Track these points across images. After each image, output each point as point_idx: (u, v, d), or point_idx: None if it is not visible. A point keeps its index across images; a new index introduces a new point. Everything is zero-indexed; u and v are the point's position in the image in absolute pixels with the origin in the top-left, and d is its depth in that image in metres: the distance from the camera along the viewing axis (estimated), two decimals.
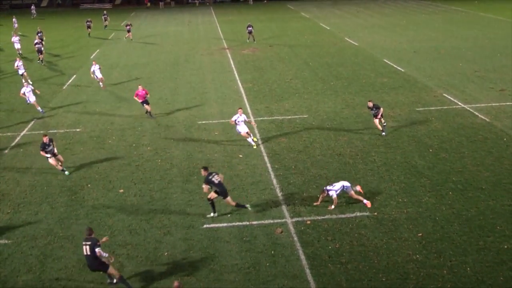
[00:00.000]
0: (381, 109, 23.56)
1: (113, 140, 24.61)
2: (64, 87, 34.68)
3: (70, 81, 36.39)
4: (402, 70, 35.60)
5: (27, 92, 28.33)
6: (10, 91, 33.74)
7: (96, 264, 13.71)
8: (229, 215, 17.30)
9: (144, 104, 27.09)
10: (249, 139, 23.13)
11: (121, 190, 19.43)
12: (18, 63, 35.77)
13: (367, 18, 63.95)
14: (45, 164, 21.72)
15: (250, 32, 48.04)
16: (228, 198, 17.11)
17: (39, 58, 42.21)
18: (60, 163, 20.99)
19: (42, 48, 42.83)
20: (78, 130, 26.24)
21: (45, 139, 20.81)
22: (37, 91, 29.36)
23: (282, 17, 65.93)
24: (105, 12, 64.37)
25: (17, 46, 45.91)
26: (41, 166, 21.98)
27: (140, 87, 27.06)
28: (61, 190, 19.76)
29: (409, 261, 14.60)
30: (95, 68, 33.63)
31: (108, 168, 21.58)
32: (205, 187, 17.04)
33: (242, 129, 22.95)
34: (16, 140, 25.19)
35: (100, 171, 21.30)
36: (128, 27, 53.27)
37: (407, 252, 15.03)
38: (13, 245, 16.29)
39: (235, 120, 22.93)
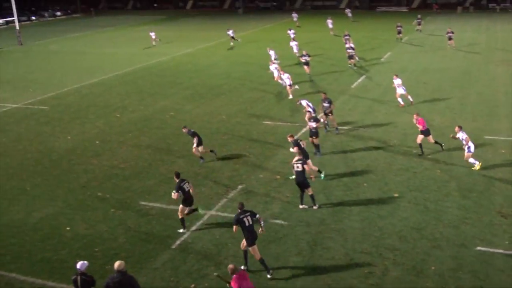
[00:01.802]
0: None
1: (394, 143, 24.53)
2: (353, 86, 35.66)
3: (359, 80, 37.27)
4: None
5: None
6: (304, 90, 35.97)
7: (255, 234, 14.83)
8: (507, 242, 15.98)
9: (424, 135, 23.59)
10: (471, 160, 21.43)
11: (396, 194, 19.29)
12: (283, 74, 33.95)
13: None
14: (324, 157, 22.64)
15: None
16: (188, 209, 17.33)
17: (351, 63, 41.56)
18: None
19: (353, 53, 41.58)
20: (361, 128, 26.80)
21: (297, 141, 21.02)
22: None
23: None
24: (419, 16, 63.02)
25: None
26: (319, 159, 23.02)
27: (415, 116, 23.58)
28: (337, 184, 20.42)
29: None
30: (397, 82, 30.51)
31: (386, 170, 21.60)
32: (174, 194, 17.02)
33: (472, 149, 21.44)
34: (299, 134, 26.70)
35: (377, 171, 21.45)
36: (449, 34, 49.40)
37: None
38: (288, 227, 17.37)
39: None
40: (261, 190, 20.19)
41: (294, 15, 72.33)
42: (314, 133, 23.41)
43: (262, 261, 14.94)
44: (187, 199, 17.28)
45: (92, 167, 23.44)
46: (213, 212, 18.67)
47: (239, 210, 15.06)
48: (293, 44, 47.01)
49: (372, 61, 43.95)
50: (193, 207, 17.58)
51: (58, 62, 51.32)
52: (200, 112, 31.10)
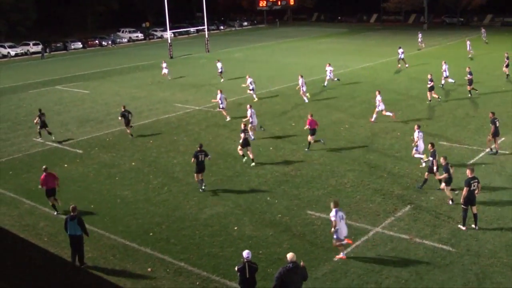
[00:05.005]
0: None
1: None
2: None
3: None
4: None
5: None
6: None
7: (202, 167, 22.10)
8: None
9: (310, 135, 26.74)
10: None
11: None
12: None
13: None
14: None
15: None
16: None
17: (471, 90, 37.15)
18: None
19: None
20: None
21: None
22: None
23: None
24: None
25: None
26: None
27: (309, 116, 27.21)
28: None
29: None
30: None
31: None
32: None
33: (421, 147, 23.65)
34: (477, 158, 25.20)
35: None
36: None
37: None
38: (456, 254, 16.50)
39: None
40: (431, 213, 19.42)
41: (419, 35, 65.46)
42: None
43: (201, 181, 22.19)
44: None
45: (264, 172, 24.17)
46: (378, 229, 18.31)
47: (198, 149, 22.16)
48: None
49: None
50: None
51: (241, 69, 53.70)
52: (375, 127, 30.67)
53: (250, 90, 38.69)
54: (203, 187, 22.24)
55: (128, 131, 30.55)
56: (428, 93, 35.91)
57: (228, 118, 33.41)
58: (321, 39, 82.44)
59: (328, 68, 42.60)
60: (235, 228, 18.87)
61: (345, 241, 16.49)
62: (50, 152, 28.83)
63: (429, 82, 35.72)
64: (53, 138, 30.64)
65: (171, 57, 65.28)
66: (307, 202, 20.81)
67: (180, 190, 22.65)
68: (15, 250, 6.64)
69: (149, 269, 16.44)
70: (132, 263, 16.85)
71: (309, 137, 26.77)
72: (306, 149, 26.81)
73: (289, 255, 12.97)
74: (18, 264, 6.15)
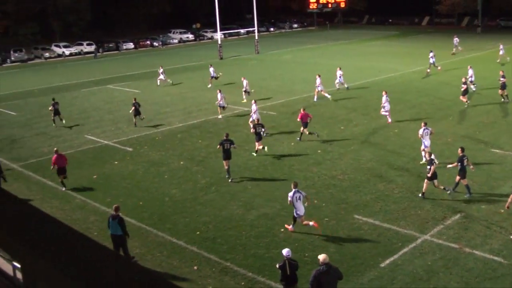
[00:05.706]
0: None
1: None
2: None
3: None
4: None
5: None
6: None
7: (229, 154, 23.47)
8: None
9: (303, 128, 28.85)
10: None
11: None
12: None
13: None
14: None
15: None
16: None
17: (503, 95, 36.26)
18: None
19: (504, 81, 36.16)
20: None
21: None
22: None
23: None
24: None
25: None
26: None
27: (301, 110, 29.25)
28: None
29: None
30: None
31: None
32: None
33: (427, 143, 24.54)
34: None
35: None
36: None
37: None
38: (508, 266, 15.99)
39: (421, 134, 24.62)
40: (482, 222, 18.95)
41: (455, 39, 63.01)
42: None
43: (227, 169, 23.57)
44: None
45: (312, 175, 24.07)
46: (427, 237, 17.97)
47: (224, 138, 23.73)
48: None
49: None
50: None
51: (290, 71, 53.70)
52: None
53: (246, 91, 40.32)
54: (230, 179, 23.69)
55: (134, 120, 33.92)
56: (462, 97, 35.55)
57: (220, 116, 35.65)
58: (372, 42, 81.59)
59: (339, 73, 42.12)
60: (281, 230, 18.85)
61: (312, 223, 18.13)
62: (101, 149, 29.46)
63: (462, 86, 35.34)
64: (64, 122, 34.84)
65: (221, 58, 65.75)
66: (355, 206, 20.61)
67: (227, 190, 22.77)
68: (67, 241, 6.78)
69: (195, 267, 16.58)
70: (179, 261, 17.03)
71: (302, 129, 29.01)
72: (298, 139, 29.23)
73: (321, 257, 12.90)
74: (77, 255, 6.30)
